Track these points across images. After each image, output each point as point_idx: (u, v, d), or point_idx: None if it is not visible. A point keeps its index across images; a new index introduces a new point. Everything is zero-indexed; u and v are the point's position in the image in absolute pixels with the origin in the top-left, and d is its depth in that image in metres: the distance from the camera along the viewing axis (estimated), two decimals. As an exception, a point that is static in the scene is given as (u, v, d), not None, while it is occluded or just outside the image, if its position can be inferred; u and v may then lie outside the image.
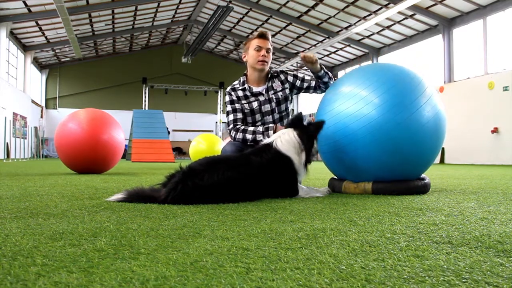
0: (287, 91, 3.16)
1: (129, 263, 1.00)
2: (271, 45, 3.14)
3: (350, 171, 2.77)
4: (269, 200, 2.32)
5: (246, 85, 3.15)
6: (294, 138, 2.55)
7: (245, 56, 3.17)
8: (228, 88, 3.20)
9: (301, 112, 2.88)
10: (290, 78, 3.19)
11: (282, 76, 3.20)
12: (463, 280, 0.89)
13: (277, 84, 3.16)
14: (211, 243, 1.23)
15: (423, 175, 2.87)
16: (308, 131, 2.60)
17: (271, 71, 3.23)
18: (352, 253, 1.12)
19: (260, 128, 3.01)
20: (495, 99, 12.32)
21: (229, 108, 3.16)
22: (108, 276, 0.90)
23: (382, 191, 2.66)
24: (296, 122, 2.68)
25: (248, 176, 2.33)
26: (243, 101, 3.13)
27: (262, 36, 3.08)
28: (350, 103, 2.63)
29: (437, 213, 1.84)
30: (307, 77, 3.20)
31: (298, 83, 3.16)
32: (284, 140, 2.54)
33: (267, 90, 3.14)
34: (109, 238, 1.29)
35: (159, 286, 0.84)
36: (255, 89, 3.15)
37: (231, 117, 3.14)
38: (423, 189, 2.74)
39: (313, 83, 3.14)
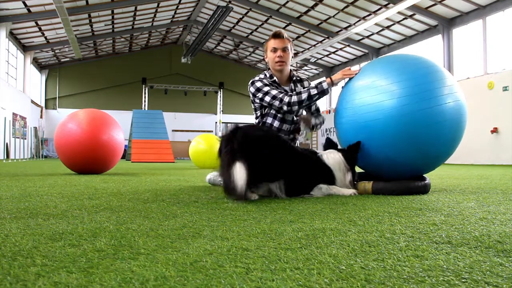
0: None
1: (128, 263, 1.00)
2: (289, 41, 3.10)
3: (368, 160, 2.77)
4: (269, 200, 2.32)
5: (275, 78, 3.12)
6: (340, 158, 2.68)
7: (266, 58, 3.17)
8: (256, 78, 3.11)
9: (329, 137, 3.00)
10: None
11: (306, 83, 3.22)
12: (463, 280, 0.89)
13: (299, 89, 3.16)
14: (211, 243, 1.22)
15: (423, 176, 2.87)
16: (350, 152, 2.71)
17: (296, 76, 3.22)
18: (352, 253, 1.12)
19: (312, 84, 2.98)
20: (494, 99, 12.32)
21: (267, 88, 3.00)
22: (107, 276, 0.90)
23: (382, 191, 2.66)
24: (332, 145, 2.86)
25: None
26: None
27: (277, 36, 3.06)
28: (372, 92, 2.61)
29: (437, 213, 1.84)
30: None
31: None
32: (331, 157, 2.67)
33: (292, 91, 3.13)
34: (108, 238, 1.29)
35: (158, 286, 0.84)
36: (283, 86, 3.15)
37: (274, 91, 2.98)
38: (423, 189, 2.73)
39: (314, 107, 3.25)
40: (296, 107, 2.92)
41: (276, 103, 2.95)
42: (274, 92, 2.97)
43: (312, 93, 2.88)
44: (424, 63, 2.67)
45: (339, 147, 2.89)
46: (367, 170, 2.96)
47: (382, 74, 2.65)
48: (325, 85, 2.89)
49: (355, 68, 2.98)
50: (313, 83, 3.08)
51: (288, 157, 2.49)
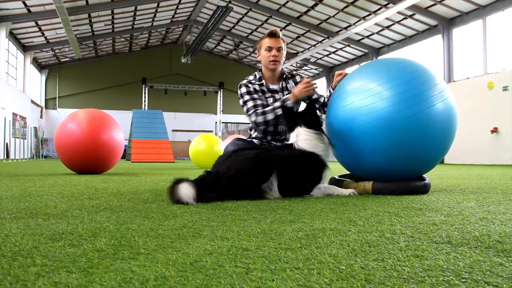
0: None
1: (128, 263, 1.00)
2: (284, 42, 3.14)
3: (359, 165, 2.78)
4: (269, 201, 2.32)
5: (263, 81, 3.16)
6: (310, 133, 2.65)
7: (258, 56, 3.20)
8: (244, 81, 3.17)
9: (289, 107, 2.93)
10: None
11: (298, 78, 3.23)
12: (463, 280, 0.89)
13: (291, 86, 3.19)
14: (211, 243, 1.22)
15: (423, 175, 2.87)
16: (310, 117, 2.72)
17: (287, 72, 3.25)
18: (352, 253, 1.12)
19: (277, 104, 2.97)
20: (494, 99, 12.32)
21: (247, 97, 3.07)
22: (107, 276, 0.90)
23: (382, 191, 2.66)
24: (291, 116, 2.80)
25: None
26: (259, 94, 3.12)
27: (272, 35, 3.09)
28: (361, 97, 2.62)
29: (437, 213, 1.84)
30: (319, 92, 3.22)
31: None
32: (304, 140, 2.64)
33: (282, 90, 3.17)
34: (108, 238, 1.29)
35: (158, 286, 0.84)
36: (271, 86, 3.17)
37: (250, 103, 3.04)
38: (423, 189, 2.73)
39: (322, 99, 3.15)
40: (262, 126, 3.02)
41: (249, 112, 3.05)
42: (250, 104, 3.04)
43: (278, 113, 2.93)
44: (413, 67, 2.68)
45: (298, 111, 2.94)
46: (358, 175, 2.94)
47: (373, 79, 2.65)
48: (289, 104, 2.91)
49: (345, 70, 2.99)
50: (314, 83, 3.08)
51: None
